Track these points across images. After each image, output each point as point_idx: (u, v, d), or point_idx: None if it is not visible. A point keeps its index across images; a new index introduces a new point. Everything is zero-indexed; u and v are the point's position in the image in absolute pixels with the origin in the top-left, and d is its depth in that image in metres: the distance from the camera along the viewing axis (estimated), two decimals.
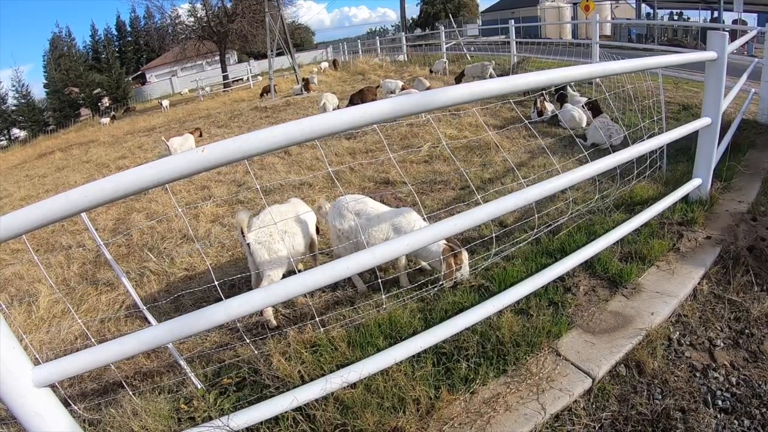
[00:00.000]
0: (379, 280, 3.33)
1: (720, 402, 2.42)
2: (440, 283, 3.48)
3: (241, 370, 2.88)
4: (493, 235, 3.80)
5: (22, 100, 41.62)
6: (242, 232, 3.57)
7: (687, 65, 9.79)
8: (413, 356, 2.58)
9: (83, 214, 2.07)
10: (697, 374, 2.61)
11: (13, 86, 42.68)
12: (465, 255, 3.52)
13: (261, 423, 2.28)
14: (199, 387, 2.82)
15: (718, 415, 2.34)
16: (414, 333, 2.80)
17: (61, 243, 6.65)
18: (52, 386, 1.99)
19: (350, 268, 2.12)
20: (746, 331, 2.88)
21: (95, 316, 4.44)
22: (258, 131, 1.81)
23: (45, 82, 44.67)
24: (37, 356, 3.67)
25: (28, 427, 1.90)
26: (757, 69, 7.46)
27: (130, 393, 2.84)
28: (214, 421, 2.22)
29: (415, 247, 2.27)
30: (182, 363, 2.85)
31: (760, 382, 2.49)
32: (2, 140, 39.51)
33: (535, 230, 3.92)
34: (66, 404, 2.74)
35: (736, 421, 2.30)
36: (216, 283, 2.78)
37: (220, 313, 1.96)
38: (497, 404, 2.45)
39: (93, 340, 2.88)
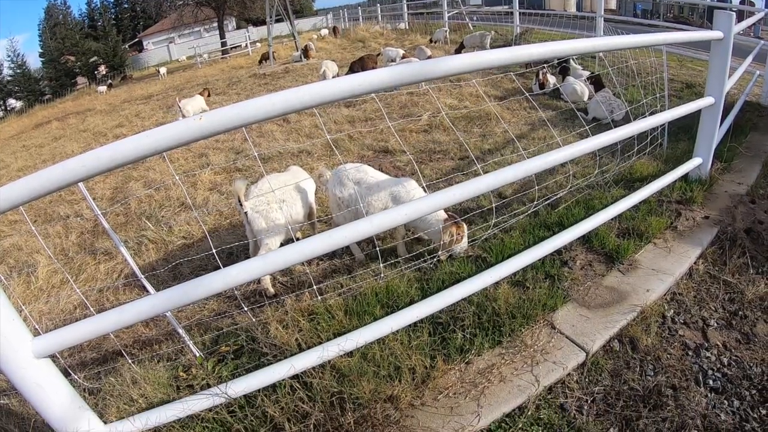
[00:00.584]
0: (377, 249, 3.34)
1: (711, 381, 2.45)
2: (437, 253, 3.48)
3: (239, 338, 2.90)
4: (493, 205, 3.79)
5: (18, 70, 41.05)
6: (240, 201, 3.55)
7: (692, 44, 9.70)
8: (410, 326, 2.60)
9: (80, 184, 2.04)
10: (690, 353, 2.64)
11: (9, 56, 42.09)
12: (465, 228, 3.52)
13: (258, 390, 2.30)
14: (197, 355, 2.83)
15: (709, 395, 2.38)
16: (411, 302, 2.82)
17: (59, 213, 6.64)
18: (52, 356, 2.01)
19: (348, 237, 2.12)
20: (740, 312, 2.90)
21: (94, 285, 4.45)
22: (256, 99, 1.78)
23: (41, 51, 43.98)
24: (36, 327, 3.69)
25: (29, 398, 1.93)
26: (763, 51, 7.38)
27: (129, 362, 2.86)
28: (212, 389, 2.24)
29: (413, 216, 2.26)
30: (181, 331, 2.86)
31: (751, 364, 2.52)
32: None
33: (534, 203, 3.91)
34: (66, 374, 2.78)
35: (726, 401, 2.33)
36: (214, 251, 2.77)
37: (218, 282, 1.96)
38: (492, 375, 2.48)
39: (92, 309, 2.89)
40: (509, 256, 2.98)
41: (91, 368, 3.18)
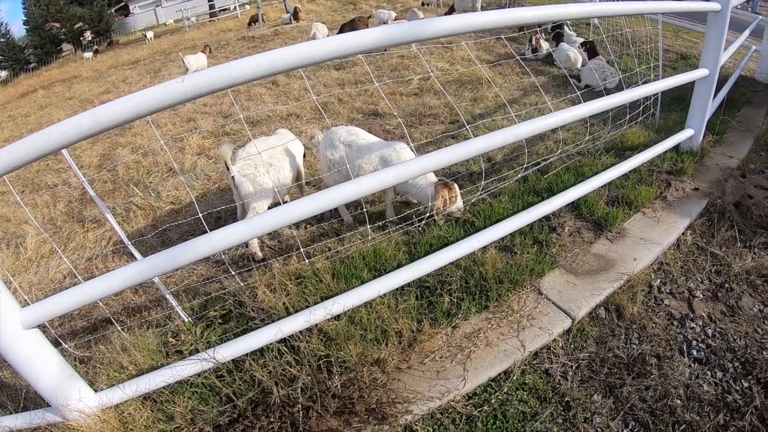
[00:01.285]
0: (364, 211, 3.32)
1: (695, 352, 2.47)
2: (426, 216, 3.47)
3: (227, 303, 2.89)
4: (483, 167, 3.77)
5: (2, 39, 39.88)
6: (226, 165, 3.51)
7: (688, 14, 9.54)
8: (397, 289, 2.61)
9: (64, 151, 2.00)
10: (675, 323, 2.67)
11: None
12: (457, 188, 3.51)
13: (246, 355, 2.30)
14: (186, 320, 2.83)
15: (692, 365, 2.40)
16: (398, 266, 2.79)
17: (47, 182, 6.55)
18: (42, 327, 2.00)
19: (335, 200, 2.09)
20: (726, 285, 2.91)
21: (83, 254, 4.41)
22: (241, 60, 1.73)
23: (24, 19, 42.67)
24: (26, 298, 3.69)
25: (19, 369, 1.93)
26: (760, 27, 7.25)
27: (119, 329, 2.87)
28: (200, 354, 2.23)
29: (402, 178, 2.24)
30: (169, 297, 2.85)
31: (735, 337, 2.54)
32: None
33: (524, 168, 3.89)
34: (57, 344, 2.81)
35: (709, 372, 2.35)
36: (200, 215, 2.75)
37: (204, 246, 1.94)
38: (478, 339, 2.49)
39: (80, 278, 2.87)
40: (497, 221, 2.98)
41: (81, 337, 3.17)
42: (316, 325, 2.37)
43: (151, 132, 7.55)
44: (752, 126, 5.12)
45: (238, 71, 1.71)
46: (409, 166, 2.26)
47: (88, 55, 25.87)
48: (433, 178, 3.52)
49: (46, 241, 4.70)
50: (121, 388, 2.17)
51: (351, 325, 2.46)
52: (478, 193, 3.69)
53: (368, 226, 3.38)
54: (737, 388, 2.27)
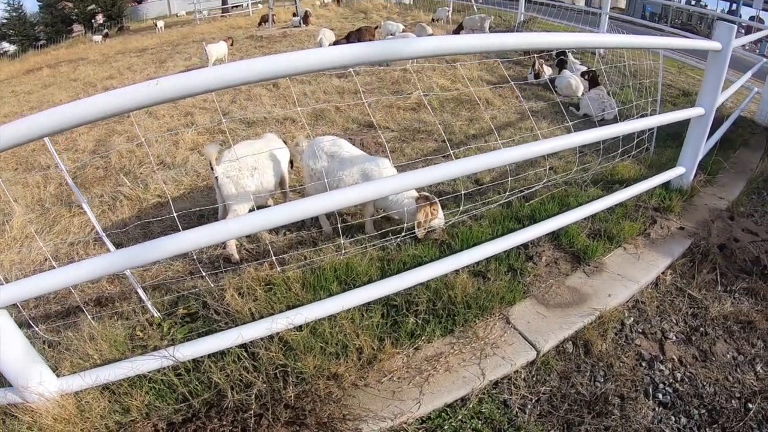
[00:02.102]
0: (338, 225, 3.33)
1: (661, 395, 2.44)
2: (403, 233, 3.49)
3: (196, 302, 2.90)
4: (462, 193, 3.78)
5: (14, 14, 39.94)
6: (211, 166, 3.53)
7: (694, 52, 9.62)
8: (363, 305, 2.61)
9: (46, 139, 2.04)
10: (644, 364, 2.63)
11: None
12: (438, 203, 3.52)
13: (208, 356, 2.32)
14: (155, 315, 2.84)
15: (657, 408, 2.36)
16: (369, 281, 2.83)
17: (40, 162, 6.54)
18: (9, 310, 2.04)
19: (310, 210, 2.13)
20: (701, 328, 2.88)
21: (66, 238, 4.42)
22: (208, 69, 1.79)
23: None
24: (6, 276, 3.70)
25: None
26: (764, 69, 7.29)
27: (89, 318, 2.87)
28: (161, 351, 2.26)
29: (381, 194, 2.29)
30: (140, 291, 2.86)
31: (705, 383, 2.50)
32: None
33: (507, 193, 3.90)
34: (29, 326, 2.85)
35: (673, 417, 2.32)
36: (175, 214, 2.76)
37: (171, 245, 1.99)
38: (438, 363, 2.47)
39: (54, 263, 2.94)
40: (474, 245, 2.98)
41: (54, 321, 3.17)
42: (278, 334, 2.37)
43: (149, 122, 7.58)
44: (746, 168, 5.11)
45: (206, 80, 1.78)
46: (388, 183, 2.29)
47: (98, 38, 25.94)
48: (414, 193, 3.54)
49: (33, 221, 4.72)
50: (82, 376, 2.21)
51: (313, 336, 2.45)
52: (457, 216, 3.70)
53: (342, 240, 3.40)
54: None
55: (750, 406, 2.37)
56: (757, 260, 3.36)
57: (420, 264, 2.89)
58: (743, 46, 6.64)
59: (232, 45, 12.66)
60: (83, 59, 18.06)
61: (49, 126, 1.72)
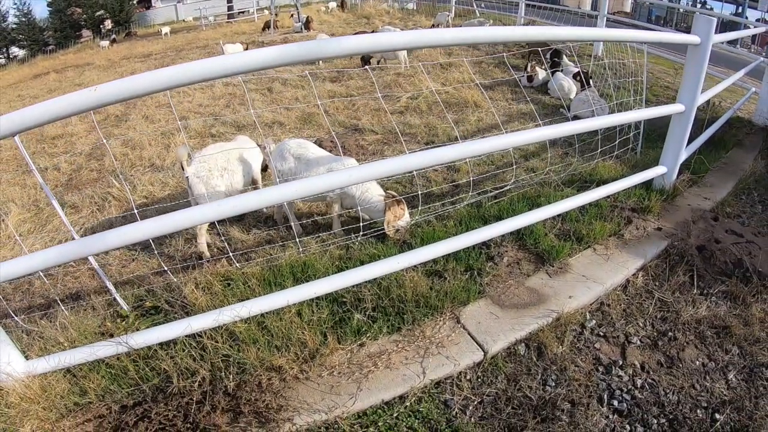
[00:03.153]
0: (292, 223, 3.38)
1: (616, 402, 2.32)
2: (362, 233, 3.55)
3: (161, 296, 2.99)
4: (419, 193, 3.84)
5: (23, 19, 40.62)
6: (182, 166, 3.64)
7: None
8: (312, 301, 2.66)
9: (16, 138, 2.21)
10: (601, 369, 2.52)
11: (15, 4, 41.69)
12: (404, 204, 3.57)
13: (160, 344, 2.45)
14: (124, 308, 2.95)
15: (610, 416, 2.26)
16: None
17: (39, 165, 6.72)
18: None
19: (251, 203, 2.24)
20: (670, 333, 2.74)
21: (57, 236, 4.58)
22: (145, 73, 1.90)
23: (49, 1, 43.53)
24: None
25: None
26: (761, 68, 7.11)
27: (62, 309, 3.01)
28: (116, 338, 2.39)
29: (334, 186, 2.35)
30: (108, 284, 2.94)
31: (668, 390, 2.38)
32: (0, 58, 38.81)
33: (471, 193, 3.94)
34: (9, 316, 3.04)
35: (628, 426, 2.21)
36: (135, 211, 2.85)
37: (113, 239, 2.11)
38: (380, 360, 2.47)
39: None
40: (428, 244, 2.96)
41: (33, 312, 3.32)
42: (224, 326, 2.44)
43: (144, 125, 7.84)
44: (738, 168, 4.91)
45: (141, 84, 1.90)
46: (341, 175, 2.37)
47: (105, 43, 26.39)
48: (380, 191, 3.61)
49: (27, 220, 4.99)
50: (47, 359, 2.37)
51: (258, 329, 2.51)
52: (417, 216, 3.75)
53: (297, 238, 3.47)
54: None
55: (717, 416, 2.24)
56: (739, 262, 3.19)
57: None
58: (727, 42, 6.50)
59: (247, 48, 13.22)
60: (89, 64, 18.42)
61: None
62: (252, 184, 4.12)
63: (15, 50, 39.48)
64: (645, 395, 2.36)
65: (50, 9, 41.92)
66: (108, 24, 38.40)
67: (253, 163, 4.06)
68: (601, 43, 9.77)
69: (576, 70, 8.41)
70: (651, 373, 2.49)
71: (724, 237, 3.42)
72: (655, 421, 2.22)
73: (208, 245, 3.90)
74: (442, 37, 2.33)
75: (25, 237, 4.67)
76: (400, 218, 3.52)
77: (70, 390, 2.32)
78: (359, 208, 3.69)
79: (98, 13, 39.24)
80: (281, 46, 1.92)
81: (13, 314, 3.11)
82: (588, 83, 7.40)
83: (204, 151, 3.84)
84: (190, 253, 3.87)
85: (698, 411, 2.28)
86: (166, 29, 26.26)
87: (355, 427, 2.19)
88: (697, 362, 2.56)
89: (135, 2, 43.86)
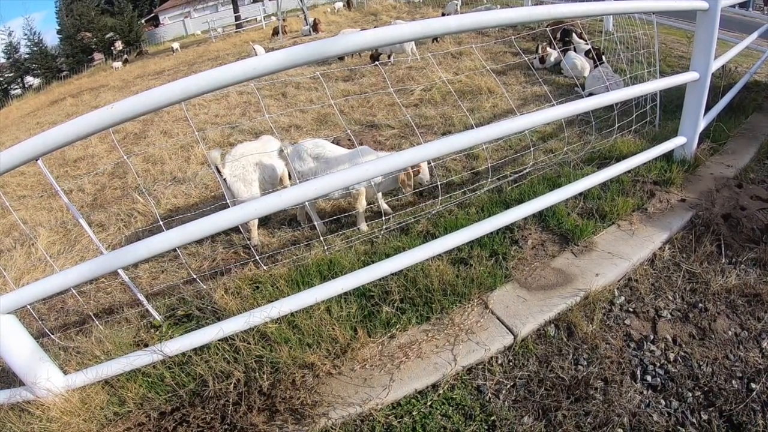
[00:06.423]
0: (316, 222, 3.46)
1: (650, 378, 2.29)
2: (384, 228, 3.58)
3: (194, 303, 3.06)
4: (438, 183, 3.83)
5: (35, 48, 41.54)
6: (217, 170, 3.69)
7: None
8: (341, 296, 2.69)
9: (39, 161, 2.25)
10: (632, 344, 2.48)
11: (25, 34, 42.72)
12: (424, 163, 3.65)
13: (194, 350, 2.50)
14: (157, 318, 3.01)
15: (645, 392, 2.22)
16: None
17: (63, 188, 6.88)
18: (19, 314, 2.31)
19: (272, 204, 2.24)
20: (700, 305, 2.67)
21: (86, 255, 4.68)
22: (157, 89, 1.97)
23: (58, 28, 44.41)
24: None
25: None
26: None
27: (97, 323, 3.12)
28: (151, 347, 2.44)
29: (354, 181, 2.37)
30: (140, 296, 3.01)
31: (701, 363, 2.32)
32: (16, 89, 39.77)
33: (490, 179, 3.92)
34: (45, 335, 3.14)
35: (663, 401, 2.17)
36: (161, 223, 2.91)
37: (143, 250, 2.17)
38: (411, 350, 2.47)
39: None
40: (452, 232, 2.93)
41: (68, 329, 3.40)
42: (255, 327, 2.47)
43: (163, 141, 7.96)
44: (759, 133, 4.75)
45: (154, 99, 1.97)
46: (356, 171, 2.37)
47: (118, 64, 26.84)
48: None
49: (56, 242, 5.08)
50: (85, 372, 2.43)
51: (289, 328, 2.56)
52: (438, 206, 3.75)
53: (321, 237, 3.50)
54: (693, 420, 2.07)
55: (753, 386, 2.18)
56: (767, 228, 3.12)
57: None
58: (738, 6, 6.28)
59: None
60: (104, 86, 18.77)
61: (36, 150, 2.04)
62: (280, 184, 4.19)
63: (30, 79, 40.45)
64: (678, 369, 2.32)
65: (60, 36, 42.84)
66: (119, 45, 39.07)
67: (282, 160, 4.12)
68: (611, 17, 9.58)
69: (587, 47, 8.30)
70: (683, 346, 2.45)
71: (750, 203, 3.36)
72: (690, 394, 2.18)
73: (235, 251, 3.96)
74: (446, 24, 2.29)
75: (55, 258, 4.78)
76: (416, 175, 3.66)
77: (109, 400, 2.41)
78: (381, 185, 3.80)
79: (108, 36, 39.97)
80: (288, 49, 1.94)
81: (49, 333, 3.22)
82: (600, 60, 7.31)
83: (233, 151, 3.90)
84: (221, 259, 3.93)
85: (733, 381, 2.23)
86: (176, 45, 26.62)
87: (389, 417, 2.20)
88: (730, 332, 2.50)
89: (143, 21, 44.60)
